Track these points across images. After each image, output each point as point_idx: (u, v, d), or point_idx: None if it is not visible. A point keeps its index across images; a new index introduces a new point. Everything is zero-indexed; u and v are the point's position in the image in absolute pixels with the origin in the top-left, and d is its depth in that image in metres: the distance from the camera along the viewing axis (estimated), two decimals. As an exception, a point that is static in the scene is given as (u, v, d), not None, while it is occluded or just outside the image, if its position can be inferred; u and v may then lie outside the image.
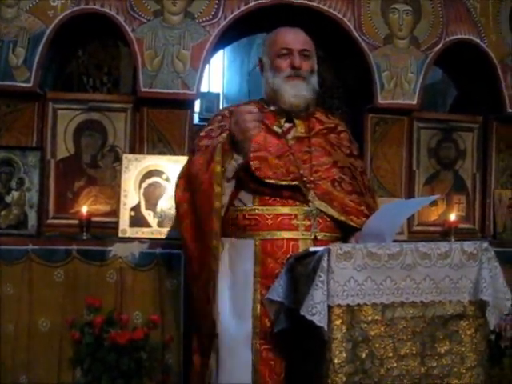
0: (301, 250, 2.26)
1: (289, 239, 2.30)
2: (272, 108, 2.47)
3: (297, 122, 2.48)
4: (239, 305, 2.31)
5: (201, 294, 2.33)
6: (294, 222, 2.31)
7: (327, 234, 2.34)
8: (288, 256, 2.23)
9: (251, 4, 3.58)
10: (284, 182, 2.30)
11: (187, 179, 2.35)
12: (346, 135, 2.59)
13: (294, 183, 2.31)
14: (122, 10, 3.47)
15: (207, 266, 2.27)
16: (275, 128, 2.44)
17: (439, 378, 1.96)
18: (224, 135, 2.34)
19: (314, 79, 2.47)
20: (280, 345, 2.25)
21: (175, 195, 2.40)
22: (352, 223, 2.36)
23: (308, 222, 2.31)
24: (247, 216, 2.33)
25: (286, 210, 2.32)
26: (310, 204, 2.33)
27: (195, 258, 2.33)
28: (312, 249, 2.06)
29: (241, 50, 8.81)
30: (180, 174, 2.44)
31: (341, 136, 2.56)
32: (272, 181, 2.29)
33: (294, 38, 2.46)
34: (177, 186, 2.41)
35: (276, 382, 2.26)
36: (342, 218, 2.35)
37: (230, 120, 2.25)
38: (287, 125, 2.48)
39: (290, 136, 2.45)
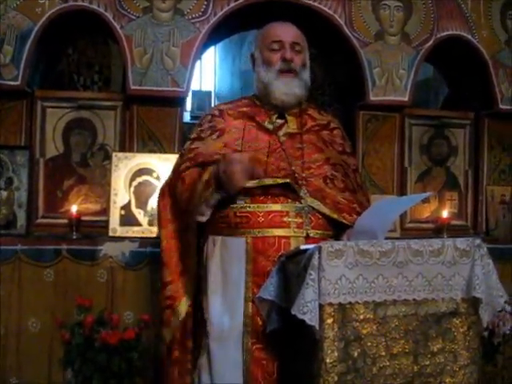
0: (292, 247, 2.23)
1: (280, 237, 2.27)
2: (258, 103, 2.47)
3: (289, 118, 2.46)
4: (231, 303, 2.29)
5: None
6: (286, 219, 2.28)
7: (319, 232, 2.31)
8: (280, 254, 2.21)
9: (241, 0, 3.55)
10: (270, 182, 2.27)
11: (172, 196, 2.39)
12: (338, 132, 2.56)
13: (285, 180, 2.28)
14: (110, 6, 3.45)
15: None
16: (266, 124, 2.42)
17: (432, 376, 1.94)
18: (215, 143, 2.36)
19: (306, 74, 2.44)
20: (272, 344, 2.22)
21: (158, 203, 2.45)
22: (344, 221, 2.34)
23: (300, 220, 2.28)
24: (238, 213, 2.30)
25: (277, 207, 2.29)
26: (302, 201, 2.30)
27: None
28: (303, 247, 2.04)
29: (232, 48, 8.78)
30: (166, 182, 2.47)
31: (333, 133, 2.53)
32: (255, 182, 2.26)
33: (285, 30, 2.44)
34: (161, 194, 2.46)
35: (268, 382, 2.23)
36: (335, 216, 2.33)
37: (221, 165, 2.21)
38: (279, 121, 2.45)
39: (281, 132, 2.42)
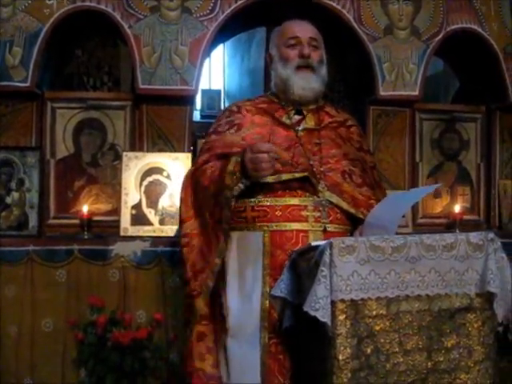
0: (311, 241, 2.22)
1: (298, 230, 2.26)
2: (275, 100, 2.47)
3: (306, 114, 2.46)
4: (248, 298, 2.28)
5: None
6: (304, 213, 2.27)
7: (337, 226, 2.31)
8: (295, 249, 2.20)
9: (248, -2, 3.54)
10: (289, 177, 2.27)
11: (195, 190, 2.37)
12: (356, 129, 2.57)
13: (303, 174, 2.27)
14: (118, 6, 3.45)
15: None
16: (284, 119, 2.43)
17: (447, 372, 1.92)
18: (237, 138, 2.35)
19: (324, 70, 2.45)
20: (289, 339, 2.21)
21: (181, 197, 2.43)
22: (362, 216, 2.33)
23: (318, 213, 2.28)
24: (256, 208, 2.30)
25: (295, 200, 2.28)
26: (320, 195, 2.29)
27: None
28: (314, 243, 2.03)
29: (241, 46, 8.77)
30: (187, 176, 2.46)
31: (351, 130, 2.55)
32: (273, 177, 2.25)
33: (302, 27, 2.46)
34: (183, 188, 2.43)
35: (285, 377, 2.23)
36: (352, 211, 2.32)
37: (246, 154, 2.18)
38: (297, 117, 2.46)
39: (299, 128, 2.43)
